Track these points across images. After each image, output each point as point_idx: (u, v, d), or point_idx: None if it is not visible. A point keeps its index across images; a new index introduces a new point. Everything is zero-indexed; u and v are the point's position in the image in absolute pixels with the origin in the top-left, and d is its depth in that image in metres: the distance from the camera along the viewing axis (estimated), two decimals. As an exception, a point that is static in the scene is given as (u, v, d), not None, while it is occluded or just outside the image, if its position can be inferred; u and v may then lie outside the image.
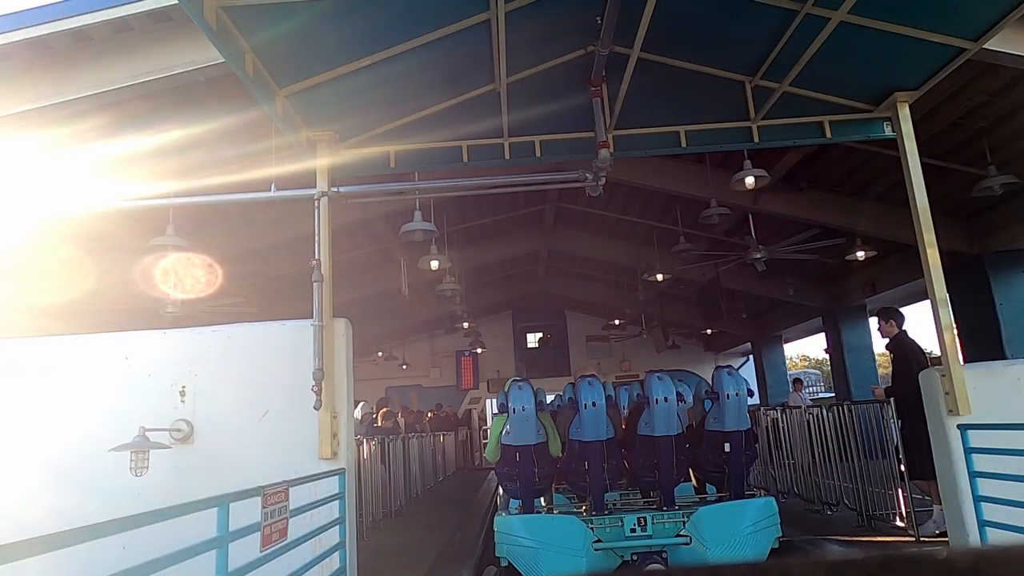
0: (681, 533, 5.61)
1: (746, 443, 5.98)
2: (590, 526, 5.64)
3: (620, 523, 5.69)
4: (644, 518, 5.70)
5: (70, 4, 5.17)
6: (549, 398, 6.74)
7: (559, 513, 6.05)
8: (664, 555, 5.61)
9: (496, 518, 5.93)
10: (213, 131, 6.28)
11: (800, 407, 8.33)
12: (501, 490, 6.79)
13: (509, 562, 5.67)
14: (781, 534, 5.69)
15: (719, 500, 5.97)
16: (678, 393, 5.86)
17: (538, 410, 5.96)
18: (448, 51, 4.94)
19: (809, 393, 25.94)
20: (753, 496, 5.92)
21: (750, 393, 6.03)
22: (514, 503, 6.18)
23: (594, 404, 5.76)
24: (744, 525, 5.58)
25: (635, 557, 5.60)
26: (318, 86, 4.83)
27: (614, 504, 6.26)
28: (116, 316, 10.03)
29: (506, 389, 5.95)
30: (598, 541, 5.60)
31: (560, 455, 6.20)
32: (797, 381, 17.62)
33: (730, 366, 6.51)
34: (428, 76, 5.27)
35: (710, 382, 6.16)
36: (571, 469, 6.04)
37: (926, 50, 4.96)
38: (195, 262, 8.02)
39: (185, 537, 2.62)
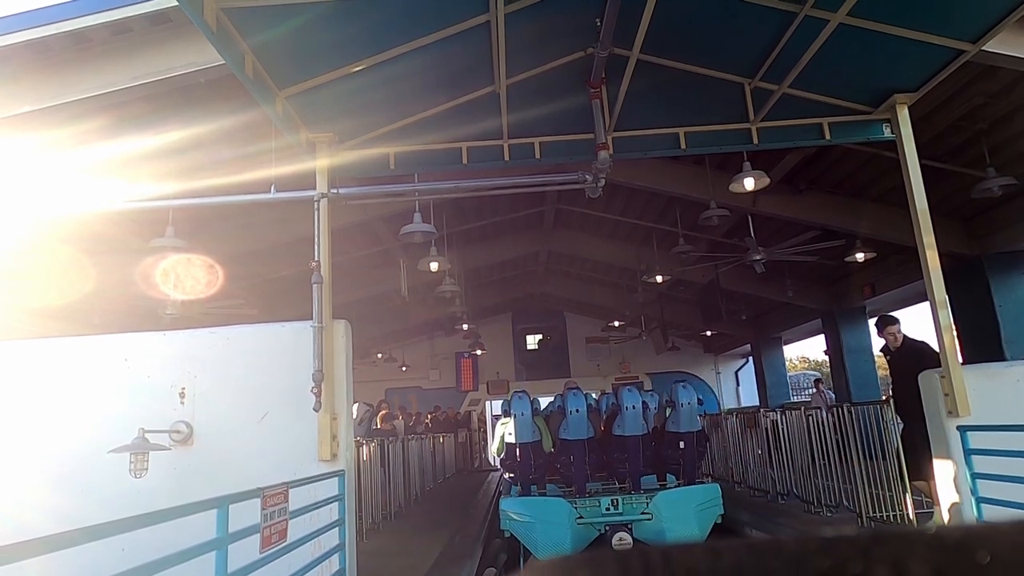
0: (645, 511, 7.04)
1: (697, 442, 7.57)
2: (574, 506, 7.08)
3: (598, 504, 7.16)
4: (617, 500, 7.15)
5: (70, 6, 5.16)
6: (544, 403, 8.41)
7: (550, 496, 7.41)
8: (630, 527, 7.06)
9: (501, 500, 7.44)
10: (213, 132, 6.26)
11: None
12: (505, 477, 8.29)
13: (511, 534, 7.12)
14: (724, 512, 7.18)
15: (676, 487, 7.36)
16: (644, 402, 7.45)
17: (534, 415, 7.54)
18: (448, 53, 4.94)
19: (807, 395, 25.93)
20: (703, 483, 7.40)
21: (700, 402, 7.61)
22: (514, 489, 7.68)
23: (578, 410, 7.32)
24: (693, 505, 7.07)
25: (607, 529, 7.04)
26: (318, 88, 4.84)
27: (595, 489, 7.58)
28: (116, 318, 10.03)
29: (509, 398, 7.59)
30: (580, 518, 7.06)
31: (552, 451, 7.61)
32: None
33: (685, 381, 7.95)
34: (428, 78, 5.27)
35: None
36: (560, 462, 7.62)
37: (925, 52, 4.97)
38: (195, 263, 7.99)
39: (184, 538, 2.62)
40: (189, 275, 7.95)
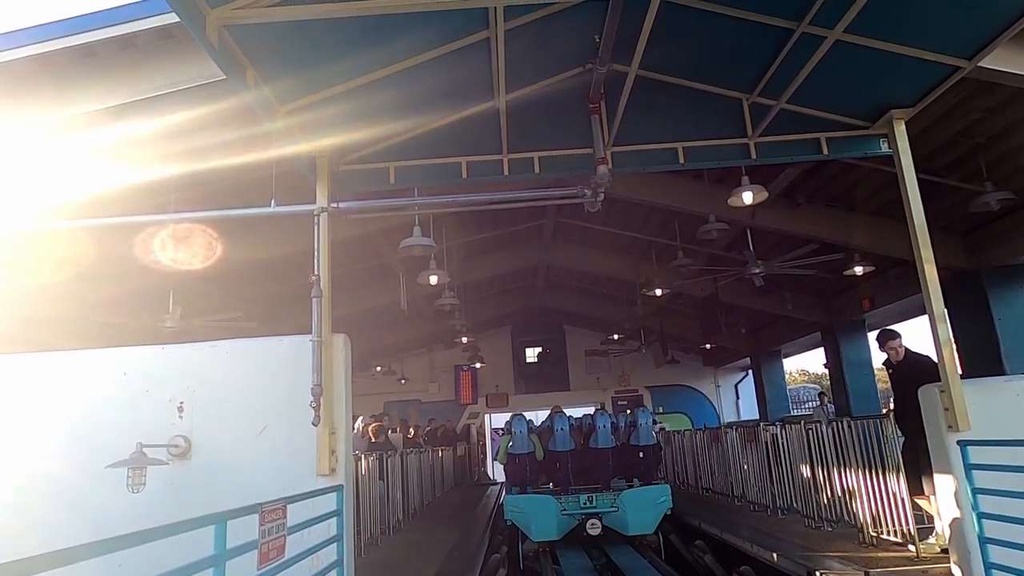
0: (613, 505, 9.61)
1: (653, 452, 10.22)
2: (559, 501, 9.69)
3: (577, 500, 9.73)
4: (592, 496, 9.74)
5: (76, 21, 5.21)
6: (537, 421, 11.41)
7: (541, 494, 9.99)
8: (600, 517, 9.62)
9: (505, 497, 10.35)
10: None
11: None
12: (505, 480, 11.15)
13: (512, 522, 9.78)
14: (672, 505, 9.57)
15: (638, 487, 9.83)
16: (613, 422, 10.33)
17: (529, 432, 10.25)
18: (448, 68, 4.98)
19: (807, 409, 25.85)
20: (657, 484, 9.84)
21: (655, 423, 10.61)
22: (514, 488, 10.26)
23: (562, 429, 10.17)
24: (649, 501, 9.55)
25: (584, 518, 9.64)
26: (319, 102, 4.87)
27: (575, 489, 9.97)
28: (115, 330, 10.01)
29: (510, 420, 10.44)
30: (564, 510, 9.62)
31: (542, 459, 10.20)
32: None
33: (644, 407, 11.53)
34: (428, 93, 5.31)
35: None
36: (549, 468, 10.33)
37: (921, 68, 5.01)
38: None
39: (182, 554, 2.60)
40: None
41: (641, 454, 9.99)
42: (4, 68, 5.26)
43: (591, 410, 12.03)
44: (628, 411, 11.48)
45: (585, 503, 9.68)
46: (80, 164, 6.25)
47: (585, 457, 10.21)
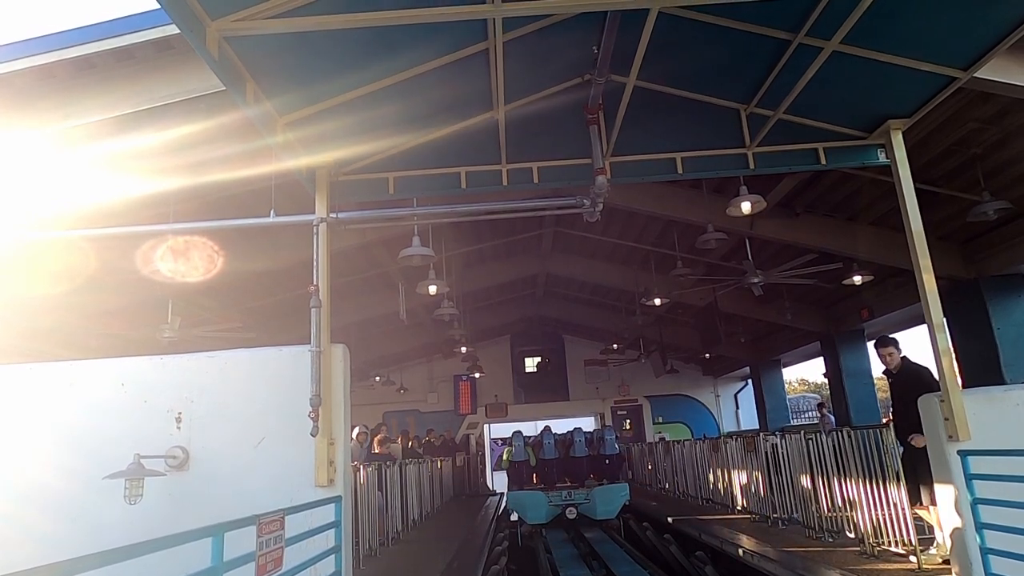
0: (586, 498, 13.41)
1: (616, 459, 14.45)
2: (547, 495, 13.66)
3: (560, 494, 13.65)
4: (571, 492, 13.67)
5: (74, 33, 5.23)
6: (536, 431, 15.85)
7: (534, 490, 14.03)
8: (576, 506, 13.40)
9: (508, 493, 14.83)
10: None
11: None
12: (508, 480, 15.26)
13: (514, 511, 14.25)
14: (629, 498, 13.36)
15: (605, 485, 13.63)
16: (587, 437, 14.71)
17: (525, 444, 14.71)
18: (448, 80, 5.00)
19: (807, 418, 25.80)
20: (619, 483, 13.71)
21: (617, 438, 15.04)
22: (514, 487, 14.51)
23: (549, 442, 14.68)
24: (613, 495, 13.35)
25: (564, 507, 13.41)
26: (318, 114, 4.88)
27: (559, 486, 13.99)
28: (114, 341, 10.00)
29: (511, 435, 15.04)
30: (550, 502, 13.49)
31: (535, 465, 14.48)
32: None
33: (610, 426, 17.44)
34: (427, 104, 5.33)
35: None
36: (540, 471, 14.60)
37: (917, 79, 5.03)
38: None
39: (179, 566, 2.59)
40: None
41: (607, 461, 14.32)
42: (3, 80, 5.28)
43: (572, 427, 16.12)
44: (596, 428, 16.50)
45: (566, 497, 13.61)
46: (80, 175, 6.28)
47: (566, 463, 14.46)
